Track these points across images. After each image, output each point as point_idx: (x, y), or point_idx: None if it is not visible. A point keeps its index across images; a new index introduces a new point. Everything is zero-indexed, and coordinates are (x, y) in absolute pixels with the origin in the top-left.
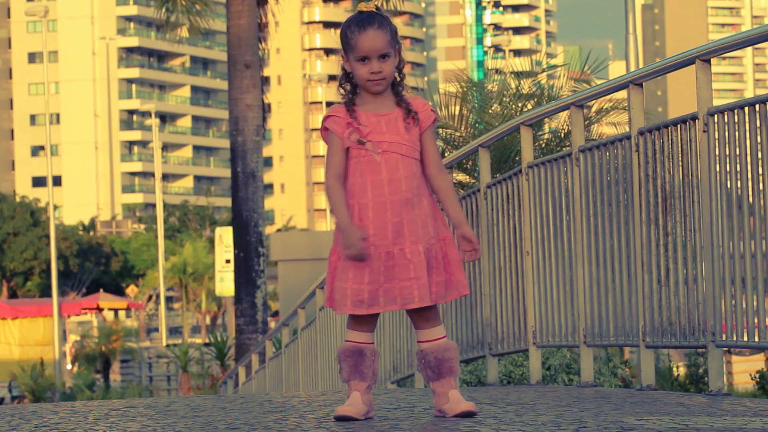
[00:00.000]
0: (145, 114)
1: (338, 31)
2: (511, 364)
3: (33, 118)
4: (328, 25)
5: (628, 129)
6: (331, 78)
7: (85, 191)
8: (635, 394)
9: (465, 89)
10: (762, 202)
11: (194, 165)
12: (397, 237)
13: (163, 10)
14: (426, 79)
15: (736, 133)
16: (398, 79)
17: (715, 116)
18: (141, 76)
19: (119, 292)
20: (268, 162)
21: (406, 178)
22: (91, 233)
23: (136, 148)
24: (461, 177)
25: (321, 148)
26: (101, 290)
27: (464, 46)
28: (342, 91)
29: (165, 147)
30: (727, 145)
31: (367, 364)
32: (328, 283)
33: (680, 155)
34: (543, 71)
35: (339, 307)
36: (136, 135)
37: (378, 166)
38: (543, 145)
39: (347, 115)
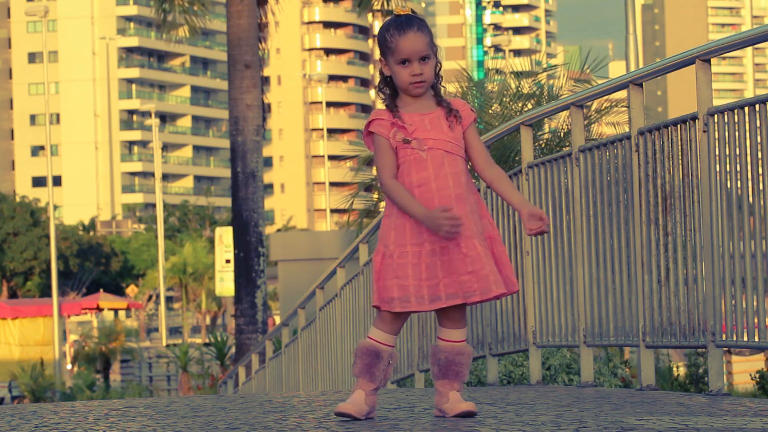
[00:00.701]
0: (145, 114)
1: (338, 31)
2: (511, 364)
3: (33, 118)
4: (328, 25)
5: (627, 129)
6: (331, 78)
7: (85, 191)
8: (635, 394)
9: (465, 89)
10: (762, 202)
11: (194, 165)
12: None
13: (161, 10)
14: None
15: (736, 133)
16: (436, 81)
17: (715, 116)
18: (141, 76)
19: (119, 292)
20: (268, 162)
21: (453, 174)
22: (91, 233)
23: (136, 148)
24: None
25: (321, 148)
26: (101, 290)
27: (464, 46)
28: (382, 95)
29: (165, 147)
30: (727, 145)
31: (381, 367)
32: (374, 282)
33: (680, 155)
34: (543, 71)
35: (401, 305)
36: (136, 135)
37: (424, 163)
38: (543, 145)
39: (390, 117)
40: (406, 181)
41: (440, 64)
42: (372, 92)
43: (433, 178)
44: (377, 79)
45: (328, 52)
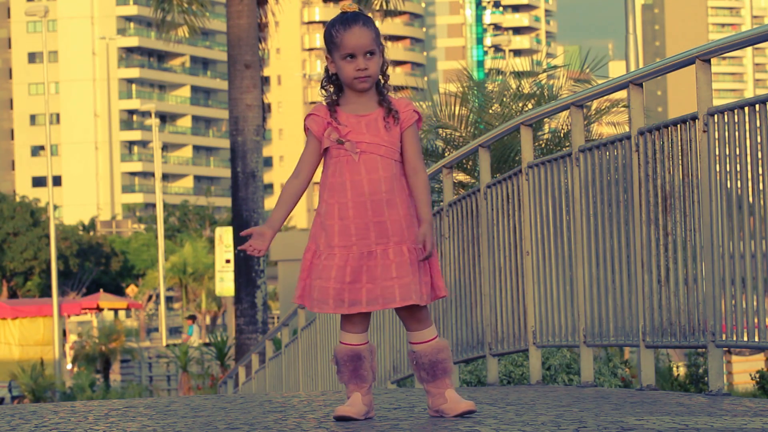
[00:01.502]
0: (145, 114)
1: None
2: (511, 364)
3: (33, 118)
4: None
5: (628, 129)
6: None
7: (85, 191)
8: (635, 394)
9: (465, 89)
10: (762, 202)
11: (194, 165)
12: (380, 237)
13: (159, 10)
14: (426, 79)
15: (736, 133)
16: (383, 81)
17: (715, 116)
18: (141, 76)
19: (119, 292)
20: (268, 162)
21: (386, 178)
22: (91, 233)
23: (136, 148)
24: (461, 177)
25: None
26: (101, 290)
27: (464, 46)
28: (324, 92)
29: (165, 147)
30: (727, 145)
31: (366, 366)
32: (301, 279)
33: (680, 155)
34: (544, 71)
35: (319, 306)
36: (136, 135)
37: (357, 166)
38: (543, 145)
39: (327, 115)
40: (338, 181)
41: (387, 64)
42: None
43: (365, 182)
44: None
45: None
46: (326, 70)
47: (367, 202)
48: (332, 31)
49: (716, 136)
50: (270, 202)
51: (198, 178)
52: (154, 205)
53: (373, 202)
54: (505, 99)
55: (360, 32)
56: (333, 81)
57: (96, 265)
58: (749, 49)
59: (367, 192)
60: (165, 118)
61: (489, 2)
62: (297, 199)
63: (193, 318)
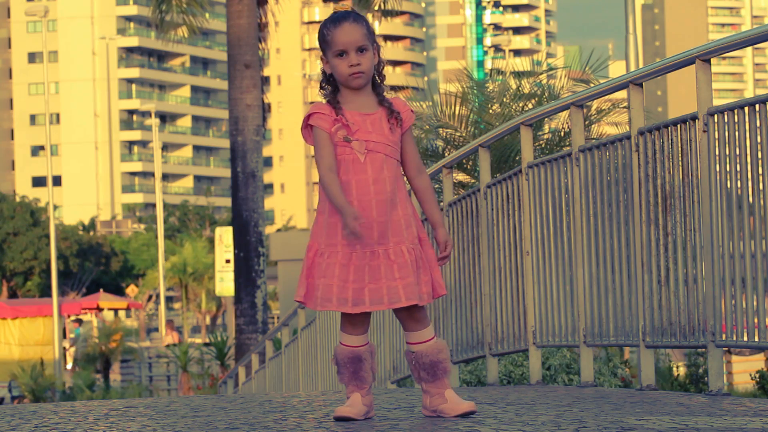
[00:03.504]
0: (145, 114)
1: None
2: (511, 364)
3: (33, 118)
4: None
5: (628, 129)
6: None
7: (85, 191)
8: (635, 394)
9: (466, 89)
10: (762, 202)
11: (194, 165)
12: (382, 237)
13: (158, 10)
14: (426, 79)
15: (736, 133)
16: (378, 80)
17: (715, 116)
18: (141, 76)
19: (119, 292)
20: (268, 162)
21: (390, 178)
22: (91, 233)
23: (136, 148)
24: (461, 177)
25: None
26: (101, 290)
27: (464, 46)
28: (322, 92)
29: (165, 147)
30: (727, 145)
31: (366, 368)
32: (303, 277)
33: (680, 155)
34: (543, 72)
35: (322, 304)
36: (136, 135)
37: (363, 165)
38: (543, 145)
39: (333, 112)
40: (343, 180)
41: (383, 63)
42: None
43: (371, 182)
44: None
45: None
46: (323, 71)
47: (373, 202)
48: (324, 30)
49: (716, 136)
50: (270, 202)
51: (198, 178)
52: (154, 205)
53: (378, 202)
54: (505, 99)
55: (350, 28)
56: (330, 82)
57: (96, 265)
58: (749, 49)
59: (373, 191)
60: (165, 118)
61: (489, 2)
62: None
63: (79, 321)
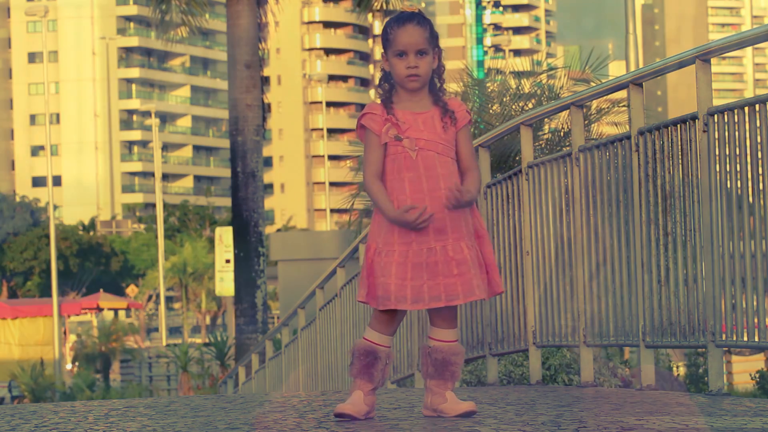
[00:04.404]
0: (145, 114)
1: (338, 31)
2: (511, 364)
3: (33, 118)
4: (328, 25)
5: (628, 128)
6: (331, 78)
7: (85, 191)
8: (635, 394)
9: (466, 88)
10: (762, 202)
11: (194, 165)
12: (439, 234)
13: (158, 10)
14: None
15: (736, 133)
16: (438, 84)
17: (715, 116)
18: (141, 76)
19: (119, 292)
20: (268, 162)
21: (444, 176)
22: (91, 233)
23: (136, 148)
24: None
25: (321, 148)
26: (101, 290)
27: (464, 46)
28: (380, 90)
29: (165, 147)
30: (727, 145)
31: (379, 367)
32: (364, 278)
33: (680, 155)
34: (543, 72)
35: (383, 303)
36: (136, 135)
37: (415, 162)
38: (543, 145)
39: (384, 112)
40: (396, 178)
41: (444, 66)
42: (372, 92)
43: (424, 179)
44: (377, 79)
45: (328, 52)
46: (382, 69)
47: (426, 199)
48: (387, 28)
49: (716, 136)
50: (270, 202)
51: (198, 178)
52: (154, 205)
53: (432, 199)
54: (505, 99)
55: (413, 30)
56: (388, 81)
57: (96, 265)
58: (749, 49)
59: (426, 189)
60: (165, 118)
61: (489, 2)
62: None
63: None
